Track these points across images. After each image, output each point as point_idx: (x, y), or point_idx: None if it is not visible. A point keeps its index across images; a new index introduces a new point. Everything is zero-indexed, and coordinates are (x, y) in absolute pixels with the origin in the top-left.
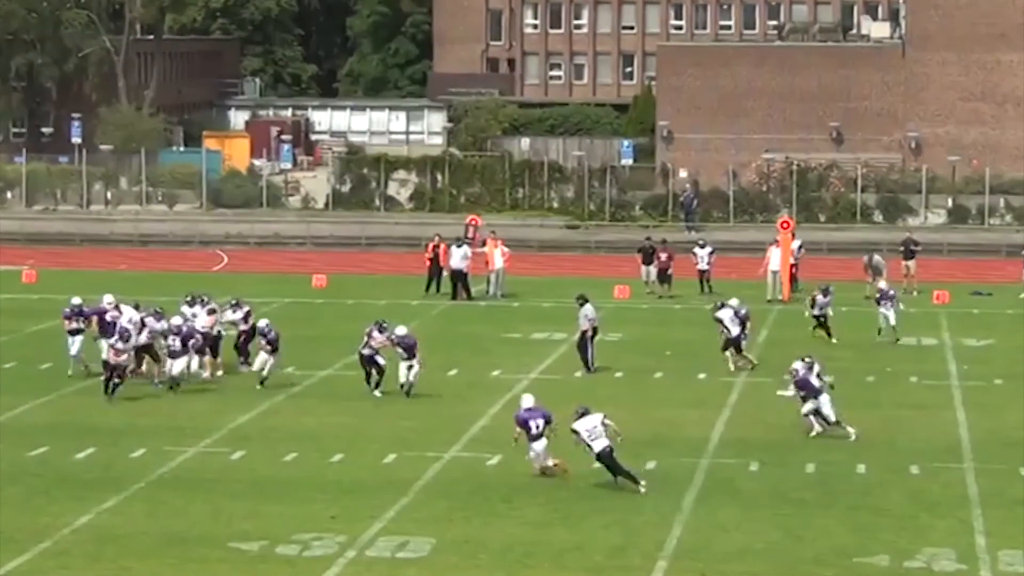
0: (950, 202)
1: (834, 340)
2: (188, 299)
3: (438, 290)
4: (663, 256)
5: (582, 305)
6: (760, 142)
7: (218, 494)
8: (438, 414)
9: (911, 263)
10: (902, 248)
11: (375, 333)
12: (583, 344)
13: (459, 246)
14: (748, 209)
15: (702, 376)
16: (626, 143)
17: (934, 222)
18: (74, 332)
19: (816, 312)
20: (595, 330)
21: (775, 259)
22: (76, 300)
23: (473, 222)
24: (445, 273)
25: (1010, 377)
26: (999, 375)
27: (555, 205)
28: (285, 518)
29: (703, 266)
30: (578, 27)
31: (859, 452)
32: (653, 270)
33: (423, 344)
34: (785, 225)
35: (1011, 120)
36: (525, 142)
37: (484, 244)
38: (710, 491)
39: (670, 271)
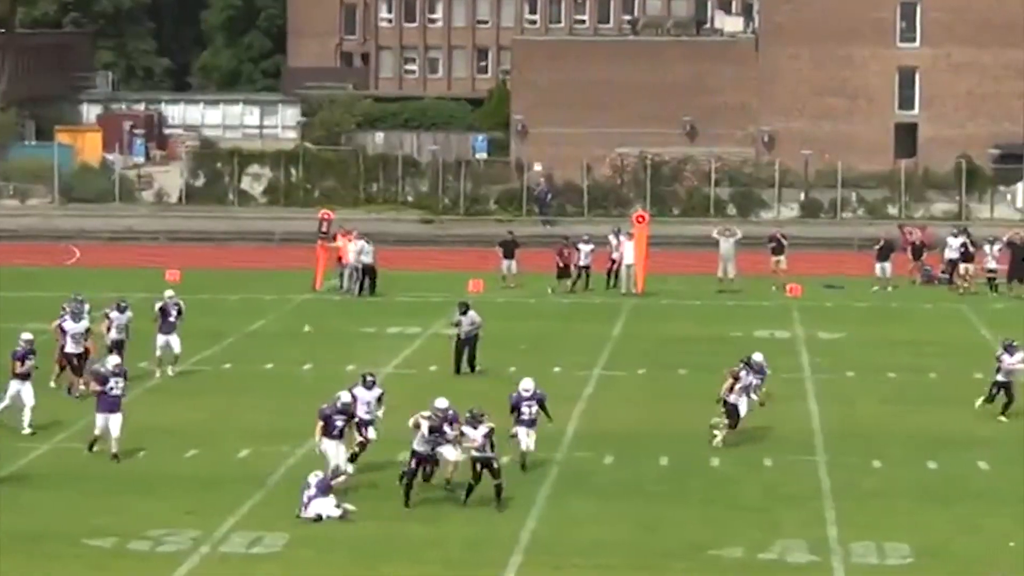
0: (803, 196)
1: (1005, 418)
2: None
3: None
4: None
5: (465, 312)
6: (614, 136)
7: (72, 490)
8: (293, 409)
9: (782, 258)
10: (772, 244)
11: (422, 422)
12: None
13: (357, 239)
14: (602, 203)
15: (557, 369)
16: (480, 137)
17: (787, 216)
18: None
19: (1002, 378)
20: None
21: (629, 252)
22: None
23: (326, 217)
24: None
25: (862, 370)
26: (851, 368)
27: (409, 199)
28: (140, 514)
29: (585, 262)
30: (432, 21)
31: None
32: (514, 264)
33: (278, 340)
34: (641, 219)
35: (863, 114)
36: (379, 136)
37: (336, 238)
38: (565, 484)
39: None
